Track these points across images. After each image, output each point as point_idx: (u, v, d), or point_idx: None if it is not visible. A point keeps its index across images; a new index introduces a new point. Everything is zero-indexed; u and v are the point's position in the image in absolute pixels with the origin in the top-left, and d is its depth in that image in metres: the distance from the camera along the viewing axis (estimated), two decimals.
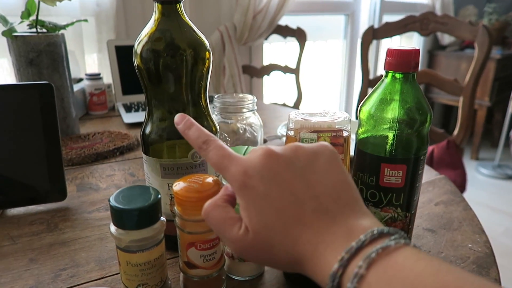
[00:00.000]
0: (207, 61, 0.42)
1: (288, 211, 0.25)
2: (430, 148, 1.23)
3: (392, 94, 0.38)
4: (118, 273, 0.42)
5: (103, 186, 0.64)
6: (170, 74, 0.40)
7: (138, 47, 0.40)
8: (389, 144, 0.39)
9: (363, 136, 0.41)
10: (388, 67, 0.38)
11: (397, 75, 0.38)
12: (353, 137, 0.42)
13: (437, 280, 0.19)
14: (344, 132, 0.40)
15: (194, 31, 0.41)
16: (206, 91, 0.44)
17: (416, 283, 0.19)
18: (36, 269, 0.43)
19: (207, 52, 0.42)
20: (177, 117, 0.31)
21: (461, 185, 1.19)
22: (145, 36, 0.40)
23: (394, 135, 0.38)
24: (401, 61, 0.37)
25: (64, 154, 0.74)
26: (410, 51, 0.37)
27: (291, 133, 0.41)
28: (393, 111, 0.38)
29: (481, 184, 2.48)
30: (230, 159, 0.27)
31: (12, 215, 0.55)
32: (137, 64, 0.41)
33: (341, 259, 0.22)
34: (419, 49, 0.38)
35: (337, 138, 0.40)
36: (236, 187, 0.26)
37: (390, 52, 0.38)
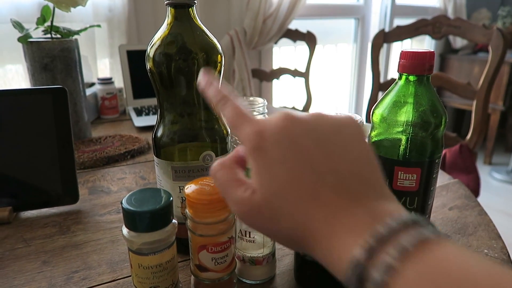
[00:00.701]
0: (219, 64, 0.42)
1: (304, 182, 0.22)
2: (442, 152, 1.22)
3: (406, 96, 0.38)
4: (130, 276, 0.42)
5: (115, 189, 0.64)
6: (182, 77, 0.40)
7: (151, 51, 0.40)
8: (402, 147, 0.38)
9: (376, 139, 0.40)
10: (402, 69, 0.38)
11: (411, 78, 0.38)
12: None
13: (492, 280, 0.17)
14: None
15: (207, 35, 0.42)
16: None
17: (467, 281, 0.17)
18: (49, 272, 0.43)
19: (219, 56, 0.42)
20: (200, 76, 0.30)
21: (475, 190, 1.17)
22: (158, 40, 0.40)
23: (408, 138, 0.38)
24: (415, 64, 0.37)
25: (76, 157, 0.75)
26: (424, 53, 0.37)
27: None
28: (407, 114, 0.38)
29: (495, 189, 2.43)
30: (246, 118, 0.25)
31: (25, 218, 0.55)
32: (150, 68, 0.41)
33: (366, 245, 0.19)
34: (433, 51, 0.37)
35: None
36: (249, 148, 0.24)
37: (404, 55, 0.38)
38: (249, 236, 0.38)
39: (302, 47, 1.66)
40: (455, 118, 3.24)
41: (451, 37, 2.74)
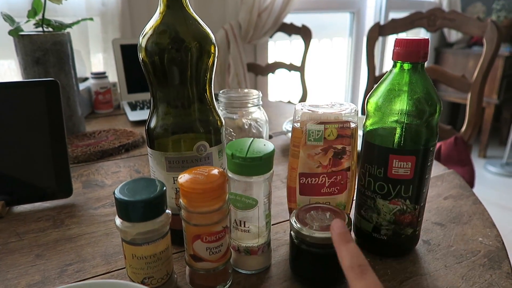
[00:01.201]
0: (212, 55, 0.42)
1: None
2: (437, 144, 1.22)
3: (400, 84, 0.38)
4: (124, 268, 0.42)
5: (109, 183, 0.64)
6: (175, 67, 0.40)
7: (142, 41, 0.40)
8: (397, 136, 0.38)
9: (370, 128, 0.40)
10: (396, 57, 0.38)
11: (406, 66, 0.38)
12: (360, 133, 0.42)
13: None
14: (351, 123, 0.40)
15: (200, 24, 0.41)
16: (211, 84, 0.44)
17: None
18: (42, 265, 0.43)
19: (212, 46, 0.41)
20: (335, 224, 0.30)
21: (470, 182, 1.17)
22: (150, 29, 0.40)
23: (402, 126, 0.38)
24: (409, 51, 0.37)
25: (69, 151, 0.74)
26: (419, 40, 0.36)
27: (297, 125, 0.40)
28: (401, 102, 0.37)
29: (489, 182, 2.45)
30: None
31: (18, 212, 0.55)
32: (142, 58, 0.40)
33: None
34: (428, 39, 0.37)
35: (344, 130, 0.39)
36: None
37: (399, 42, 0.37)
38: (244, 226, 0.38)
39: (297, 41, 1.65)
40: (450, 112, 3.26)
41: (446, 31, 2.75)
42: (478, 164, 2.66)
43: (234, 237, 0.39)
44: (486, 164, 2.65)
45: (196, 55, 0.40)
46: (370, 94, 0.40)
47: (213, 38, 0.42)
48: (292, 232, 0.38)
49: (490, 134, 2.75)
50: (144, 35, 0.40)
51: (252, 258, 0.39)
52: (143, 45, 0.40)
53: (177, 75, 0.40)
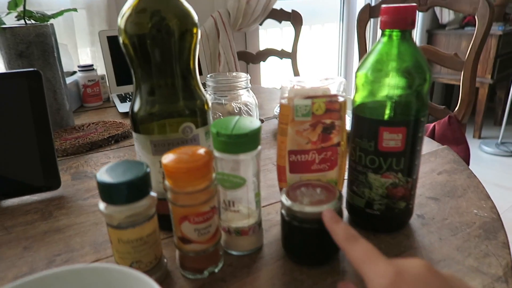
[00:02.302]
0: (194, 36, 0.40)
1: None
2: (431, 125, 1.21)
3: (389, 54, 0.37)
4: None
5: None
6: (156, 47, 0.38)
7: (121, 22, 0.38)
8: (387, 107, 0.37)
9: (360, 101, 0.39)
10: (383, 25, 0.36)
11: (394, 34, 0.36)
12: (349, 112, 0.41)
13: None
14: (339, 97, 0.39)
15: (180, 1, 0.39)
16: (195, 63, 0.43)
17: None
18: (30, 257, 0.42)
19: (194, 26, 0.40)
20: (326, 212, 0.33)
21: (465, 160, 1.17)
22: (128, 9, 0.38)
23: (392, 97, 0.37)
24: (397, 18, 0.36)
25: (58, 145, 0.73)
26: (406, 7, 0.35)
27: (285, 101, 0.39)
28: (390, 72, 0.36)
29: (485, 162, 2.46)
30: (380, 256, 0.26)
31: (6, 207, 0.53)
32: (123, 41, 0.39)
33: None
34: (415, 5, 0.36)
35: (332, 104, 0.38)
36: (384, 284, 0.24)
37: (385, 10, 0.36)
38: (233, 206, 0.37)
39: (288, 28, 1.63)
40: (444, 94, 3.25)
41: (438, 13, 2.73)
42: (473, 145, 2.67)
43: (224, 218, 0.39)
44: (481, 145, 2.66)
45: (177, 34, 0.39)
46: (358, 67, 0.39)
47: (195, 17, 0.40)
48: (282, 210, 0.37)
49: (485, 114, 2.75)
50: (123, 16, 0.38)
51: (243, 238, 0.39)
52: (122, 26, 0.38)
53: (159, 56, 0.39)
